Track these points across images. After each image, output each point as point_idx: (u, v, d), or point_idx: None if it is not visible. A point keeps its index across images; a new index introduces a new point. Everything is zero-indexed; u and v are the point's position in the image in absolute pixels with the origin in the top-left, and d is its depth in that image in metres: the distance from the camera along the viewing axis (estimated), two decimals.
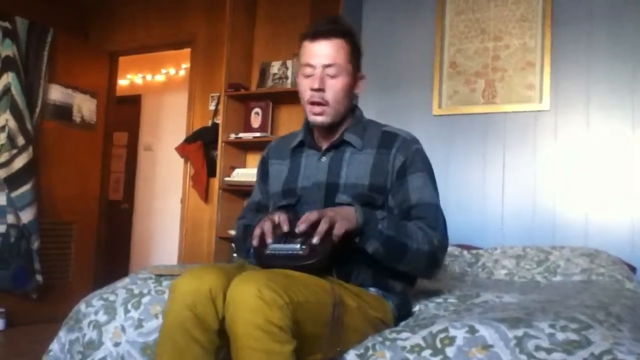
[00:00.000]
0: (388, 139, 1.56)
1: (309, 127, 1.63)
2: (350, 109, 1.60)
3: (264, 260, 1.36)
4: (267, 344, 1.10)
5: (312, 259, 1.30)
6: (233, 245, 1.73)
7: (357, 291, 1.41)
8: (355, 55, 1.55)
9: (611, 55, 2.95)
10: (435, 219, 1.49)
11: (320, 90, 1.50)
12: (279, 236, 1.38)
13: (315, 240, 1.30)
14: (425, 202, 1.50)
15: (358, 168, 1.53)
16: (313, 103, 1.52)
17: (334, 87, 1.51)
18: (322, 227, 1.30)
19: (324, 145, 1.59)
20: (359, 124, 1.61)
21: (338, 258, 1.36)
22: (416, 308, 1.62)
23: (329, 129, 1.58)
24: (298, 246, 1.32)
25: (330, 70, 1.50)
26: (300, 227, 1.31)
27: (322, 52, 1.49)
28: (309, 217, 1.32)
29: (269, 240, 1.36)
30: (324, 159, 1.58)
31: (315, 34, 1.50)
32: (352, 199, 1.48)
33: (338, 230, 1.31)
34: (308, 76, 1.52)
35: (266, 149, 1.78)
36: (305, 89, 1.53)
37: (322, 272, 1.33)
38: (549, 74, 3.06)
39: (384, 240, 1.38)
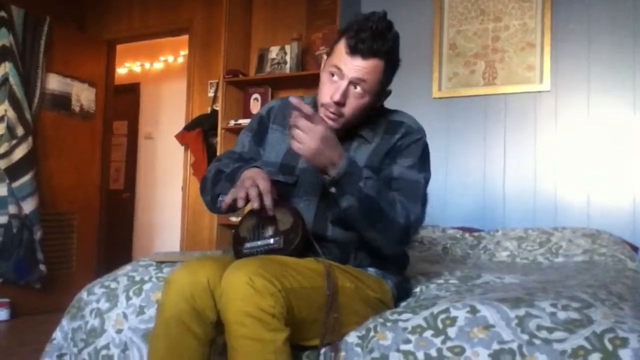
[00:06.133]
0: (394, 127, 1.51)
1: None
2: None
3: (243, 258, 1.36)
4: (258, 331, 1.09)
5: (288, 248, 1.31)
6: (200, 185, 1.65)
7: (355, 272, 1.40)
8: (388, 72, 1.44)
9: (611, 35, 2.93)
10: (415, 194, 1.42)
11: (340, 104, 1.40)
12: (250, 230, 1.38)
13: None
14: (407, 178, 1.44)
15: (360, 155, 1.48)
16: (328, 110, 1.42)
17: (354, 105, 1.41)
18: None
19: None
20: (373, 118, 1.52)
21: (318, 237, 1.35)
22: (417, 289, 1.62)
23: None
24: (271, 241, 1.33)
25: (357, 87, 1.39)
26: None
27: (355, 67, 1.37)
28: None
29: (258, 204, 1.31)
30: None
31: (354, 50, 1.36)
32: None
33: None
34: (333, 80, 1.40)
35: (267, 108, 1.66)
36: (326, 91, 1.41)
37: (304, 253, 1.33)
38: (549, 55, 3.03)
39: (361, 198, 1.31)
